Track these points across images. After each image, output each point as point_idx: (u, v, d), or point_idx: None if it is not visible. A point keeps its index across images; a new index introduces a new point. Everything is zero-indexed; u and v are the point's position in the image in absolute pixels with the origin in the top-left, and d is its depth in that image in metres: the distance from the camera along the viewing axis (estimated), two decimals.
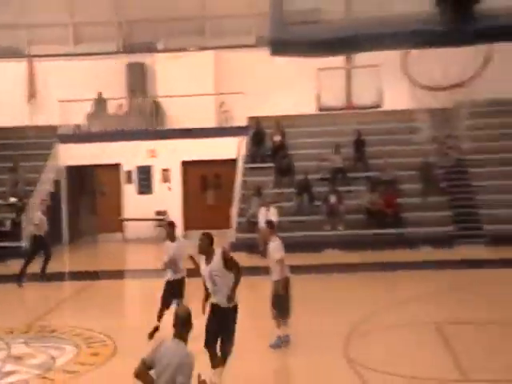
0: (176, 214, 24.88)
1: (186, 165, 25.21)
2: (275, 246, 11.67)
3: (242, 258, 19.85)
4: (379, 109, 20.52)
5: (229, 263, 9.27)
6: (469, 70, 8.30)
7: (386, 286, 14.92)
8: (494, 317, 10.36)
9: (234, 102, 25.05)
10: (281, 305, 11.46)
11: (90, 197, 26.93)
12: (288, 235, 20.29)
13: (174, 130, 24.98)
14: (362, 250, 20.71)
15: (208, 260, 9.36)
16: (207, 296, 9.66)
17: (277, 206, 21.70)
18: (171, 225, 12.74)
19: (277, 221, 21.11)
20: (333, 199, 22.02)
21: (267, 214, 21.09)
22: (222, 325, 9.33)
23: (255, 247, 20.69)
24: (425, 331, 12.45)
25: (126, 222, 25.08)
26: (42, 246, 18.55)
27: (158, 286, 18.50)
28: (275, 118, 24.62)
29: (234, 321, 9.39)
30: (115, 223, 25.07)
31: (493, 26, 5.82)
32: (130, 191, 25.36)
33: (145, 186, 25.24)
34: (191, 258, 12.09)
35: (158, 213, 24.85)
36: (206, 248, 9.32)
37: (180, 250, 12.36)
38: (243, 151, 24.72)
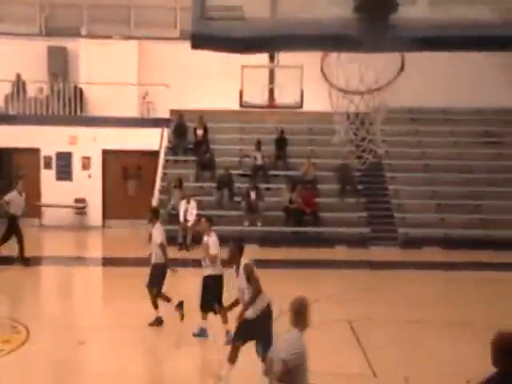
0: (96, 203, 24.76)
1: (107, 154, 24.99)
2: (213, 241, 11.82)
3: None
4: (300, 109, 20.78)
5: (250, 279, 9.27)
6: (384, 78, 8.59)
7: (301, 283, 15.17)
8: (405, 316, 10.76)
9: (157, 93, 24.97)
10: (207, 298, 11.64)
11: (6, 181, 26.36)
12: None
13: (96, 118, 24.70)
14: (280, 246, 21.03)
15: (237, 271, 9.47)
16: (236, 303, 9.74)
17: (197, 200, 21.88)
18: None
19: (196, 214, 21.39)
20: (253, 195, 22.23)
21: (187, 207, 21.28)
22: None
23: (175, 239, 20.77)
24: (337, 329, 12.81)
25: (43, 208, 24.72)
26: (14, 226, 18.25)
27: (73, 274, 18.50)
28: (198, 112, 24.66)
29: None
30: (32, 208, 24.61)
31: (407, 35, 6.11)
32: (48, 177, 24.98)
33: (64, 173, 24.89)
34: (161, 245, 12.42)
35: (77, 200, 24.60)
36: (235, 258, 9.50)
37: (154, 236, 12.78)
38: (165, 143, 24.70)
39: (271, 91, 21.18)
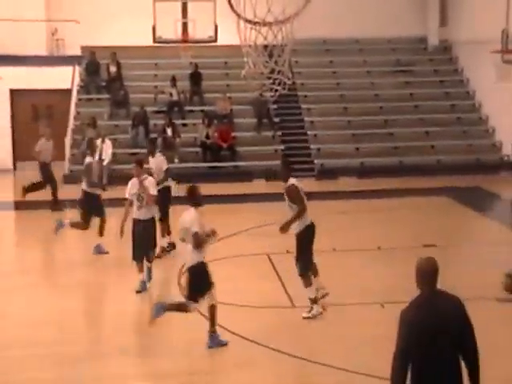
0: (5, 145, 24.01)
1: (16, 93, 24.20)
2: (150, 182, 11.55)
3: (76, 190, 19.62)
4: (215, 43, 20.50)
5: (295, 199, 9.96)
6: (291, 8, 8.48)
7: (221, 217, 15.16)
8: (322, 245, 10.89)
9: (66, 29, 24.18)
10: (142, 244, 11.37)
11: None
12: (124, 167, 20.27)
13: (2, 57, 23.75)
14: (198, 182, 20.84)
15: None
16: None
17: (112, 138, 21.50)
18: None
19: (111, 153, 21.05)
20: (169, 132, 21.98)
21: (102, 146, 20.87)
22: None
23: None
24: (256, 262, 12.91)
25: None
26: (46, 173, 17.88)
27: None
28: (111, 49, 24.00)
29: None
30: None
31: None
32: None
33: None
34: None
35: None
36: (285, 177, 10.15)
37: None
38: (77, 81, 24.05)
39: (185, 25, 20.81)
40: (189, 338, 9.43)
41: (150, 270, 11.44)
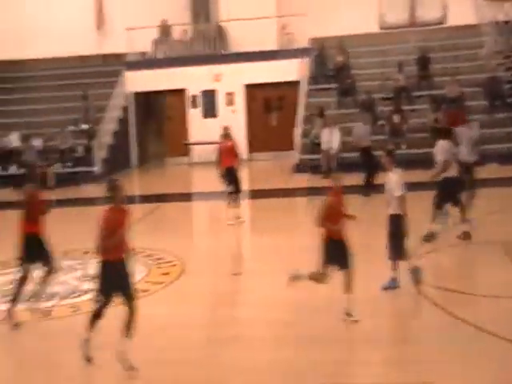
0: (240, 137, 24.82)
1: (250, 88, 25.06)
2: (395, 181, 10.19)
3: (307, 178, 19.88)
4: (443, 25, 19.77)
5: None
6: None
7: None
8: None
9: (295, 23, 24.58)
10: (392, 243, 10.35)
11: (156, 122, 27.07)
12: (351, 156, 20.17)
13: (238, 54, 24.76)
14: (426, 169, 20.25)
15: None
16: None
17: (340, 127, 21.48)
18: None
19: (340, 141, 21.02)
20: (396, 118, 21.61)
21: (330, 135, 20.94)
22: None
23: (318, 168, 20.57)
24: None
25: (191, 146, 25.17)
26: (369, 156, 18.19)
27: (222, 208, 18.74)
28: (338, 38, 24.08)
29: None
30: (181, 147, 25.21)
31: None
32: (195, 115, 25.41)
33: (210, 110, 25.23)
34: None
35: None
36: None
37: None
38: (306, 73, 24.31)
39: (412, 9, 20.34)
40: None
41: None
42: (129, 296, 8.15)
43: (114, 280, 8.12)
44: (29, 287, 10.23)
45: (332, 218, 9.13)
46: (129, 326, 8.03)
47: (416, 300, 9.94)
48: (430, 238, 12.45)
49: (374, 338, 8.90)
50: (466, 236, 12.58)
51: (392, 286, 10.27)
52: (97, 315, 8.30)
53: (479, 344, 8.37)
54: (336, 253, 9.16)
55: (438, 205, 12.54)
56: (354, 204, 13.98)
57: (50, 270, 10.42)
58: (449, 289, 10.33)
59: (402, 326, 9.71)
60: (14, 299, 10.06)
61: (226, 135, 16.37)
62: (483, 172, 19.42)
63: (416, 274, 10.00)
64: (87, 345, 8.23)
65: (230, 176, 15.87)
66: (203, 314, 10.47)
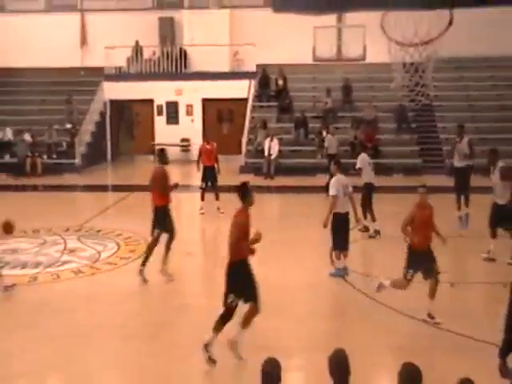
0: (197, 141, 24.87)
1: (206, 101, 25.03)
2: (332, 182, 10.38)
3: (250, 178, 19.96)
4: (363, 61, 20.17)
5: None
6: (434, 31, 8.16)
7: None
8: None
9: (245, 51, 24.65)
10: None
11: (128, 125, 26.87)
12: (287, 161, 20.49)
13: (197, 73, 24.67)
14: (349, 175, 20.63)
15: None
16: None
17: (278, 138, 21.74)
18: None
19: (278, 149, 21.27)
20: (324, 133, 21.90)
21: (271, 144, 21.19)
22: None
23: (260, 170, 20.83)
24: (393, 241, 12.56)
25: (156, 147, 25.07)
26: None
27: (180, 199, 18.72)
28: (279, 66, 24.23)
29: None
30: (148, 147, 25.11)
31: None
32: (160, 122, 25.28)
33: (172, 118, 25.13)
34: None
35: (183, 140, 24.87)
36: (492, 162, 10.51)
37: None
38: (252, 92, 24.48)
39: (339, 47, 20.70)
40: None
41: None
42: (250, 296, 7.18)
43: (247, 279, 7.17)
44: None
45: (417, 229, 8.39)
46: (248, 319, 7.24)
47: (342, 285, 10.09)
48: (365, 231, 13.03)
49: (303, 313, 9.14)
50: (377, 233, 12.98)
51: (339, 274, 10.25)
52: (227, 317, 7.24)
53: (385, 318, 8.70)
54: (420, 262, 8.34)
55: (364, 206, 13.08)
56: (318, 202, 14.33)
57: (172, 237, 10.53)
58: (367, 274, 10.61)
59: (331, 306, 9.94)
60: (145, 260, 10.21)
61: (208, 139, 16.06)
62: (392, 181, 20.10)
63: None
64: (210, 347, 7.13)
65: (207, 174, 15.43)
66: (161, 285, 10.55)
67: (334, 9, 7.16)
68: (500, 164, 10.93)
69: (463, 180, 13.32)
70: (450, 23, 8.00)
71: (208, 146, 15.78)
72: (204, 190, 15.47)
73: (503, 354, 5.19)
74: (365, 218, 13.02)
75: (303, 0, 5.20)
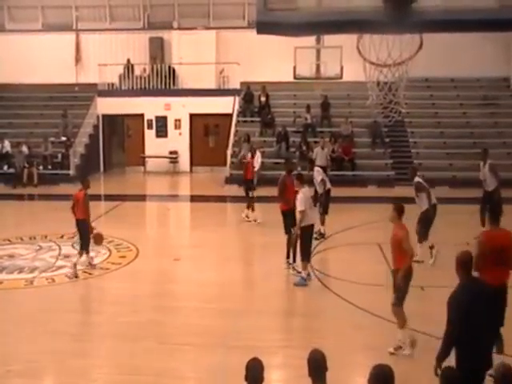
0: (185, 153, 24.95)
1: (193, 116, 25.02)
2: (300, 198, 10.19)
3: (234, 189, 20.13)
4: (340, 80, 20.29)
5: None
6: (406, 53, 8.30)
7: (341, 214, 15.04)
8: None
9: (230, 69, 24.73)
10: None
11: (119, 138, 26.81)
12: (269, 173, 20.51)
13: (185, 90, 24.70)
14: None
15: None
16: None
17: (261, 151, 21.76)
18: None
19: (261, 162, 21.29)
20: (304, 147, 22.01)
21: (254, 156, 21.17)
22: None
23: (242, 181, 20.79)
24: (368, 249, 12.67)
25: (146, 159, 25.05)
26: None
27: (170, 207, 18.74)
28: (261, 83, 24.36)
29: None
30: (138, 159, 25.06)
31: (425, 19, 5.83)
32: (150, 135, 25.20)
33: (161, 131, 25.07)
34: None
35: (171, 152, 24.82)
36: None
37: None
38: (236, 108, 24.54)
39: (318, 66, 20.78)
40: None
41: None
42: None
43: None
44: None
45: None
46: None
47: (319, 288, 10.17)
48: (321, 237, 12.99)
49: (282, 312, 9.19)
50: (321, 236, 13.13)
51: (302, 283, 10.21)
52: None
53: (354, 318, 8.77)
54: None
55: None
56: None
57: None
58: (338, 278, 10.69)
59: (304, 305, 10.00)
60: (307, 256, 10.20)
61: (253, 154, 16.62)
62: (366, 192, 20.26)
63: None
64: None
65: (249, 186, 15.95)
66: (150, 288, 10.56)
67: (314, 32, 7.28)
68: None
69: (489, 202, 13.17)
70: (421, 46, 8.14)
71: (251, 159, 16.50)
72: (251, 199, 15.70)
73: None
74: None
75: (285, 24, 5.29)
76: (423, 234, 11.24)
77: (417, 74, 9.90)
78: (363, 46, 8.45)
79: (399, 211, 7.61)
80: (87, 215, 11.04)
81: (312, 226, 10.39)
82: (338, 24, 5.65)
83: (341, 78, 20.35)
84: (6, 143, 22.60)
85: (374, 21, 5.61)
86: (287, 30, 5.82)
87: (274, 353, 7.58)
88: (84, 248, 11.05)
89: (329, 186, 13.66)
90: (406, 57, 8.44)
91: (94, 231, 11.13)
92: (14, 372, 7.15)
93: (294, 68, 20.27)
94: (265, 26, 5.79)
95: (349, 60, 18.97)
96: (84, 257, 11.11)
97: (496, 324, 5.18)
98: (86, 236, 11.05)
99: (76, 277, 10.76)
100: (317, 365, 4.57)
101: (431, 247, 11.30)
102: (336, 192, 17.98)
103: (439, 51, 23.48)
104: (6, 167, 22.02)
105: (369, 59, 8.61)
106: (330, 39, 17.47)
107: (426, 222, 11.28)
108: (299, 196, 10.28)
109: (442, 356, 5.19)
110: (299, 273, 10.31)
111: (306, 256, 10.31)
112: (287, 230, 11.06)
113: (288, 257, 10.92)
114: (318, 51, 20.85)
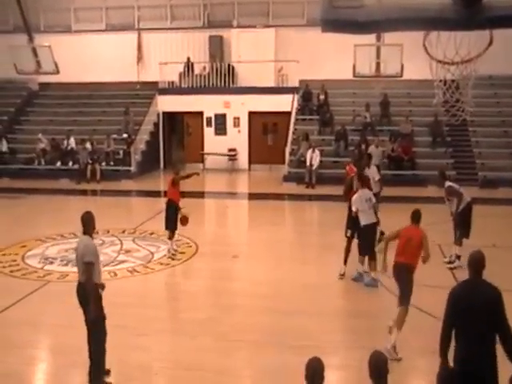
0: (243, 151, 25.05)
1: (252, 114, 25.10)
2: (354, 199, 10.19)
3: (292, 187, 20.08)
4: (400, 78, 19.93)
5: None
6: (474, 50, 8.03)
7: (402, 215, 14.71)
8: (481, 241, 10.33)
9: (289, 67, 24.65)
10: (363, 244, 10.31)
11: (179, 135, 27.18)
12: (328, 171, 20.37)
13: (244, 88, 24.81)
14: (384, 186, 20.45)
15: None
16: None
17: (320, 149, 21.64)
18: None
19: (319, 160, 21.16)
20: (363, 146, 21.72)
21: (312, 155, 21.11)
22: None
23: (302, 179, 20.75)
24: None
25: (205, 156, 25.29)
26: None
27: (228, 204, 18.86)
28: (320, 81, 24.19)
29: None
30: (198, 156, 25.33)
31: (496, 15, 5.61)
32: (209, 133, 25.46)
33: (220, 129, 25.28)
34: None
35: (230, 150, 24.97)
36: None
37: None
38: (295, 106, 24.46)
39: (378, 64, 20.48)
40: None
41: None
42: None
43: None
44: None
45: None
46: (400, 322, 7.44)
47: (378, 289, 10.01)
48: None
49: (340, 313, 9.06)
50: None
51: (373, 283, 10.06)
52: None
53: (413, 320, 8.56)
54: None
55: None
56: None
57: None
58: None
59: (362, 304, 9.86)
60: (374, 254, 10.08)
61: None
62: (426, 192, 19.75)
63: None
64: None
65: None
66: (208, 285, 10.63)
67: (380, 29, 7.11)
68: None
69: None
70: (491, 43, 7.84)
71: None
72: None
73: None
74: None
75: (350, 21, 5.17)
76: (460, 236, 11.08)
77: (480, 71, 9.61)
78: (430, 43, 8.22)
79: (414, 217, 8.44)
80: (175, 197, 12.08)
81: (374, 224, 10.25)
82: (406, 21, 5.50)
83: (401, 76, 20.02)
84: (72, 140, 23.29)
85: (442, 18, 5.43)
86: (353, 27, 5.71)
87: (334, 353, 7.50)
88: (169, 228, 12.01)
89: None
90: (474, 54, 8.15)
91: (182, 210, 12.11)
92: (79, 362, 7.32)
93: (354, 66, 20.07)
94: (330, 24, 5.70)
95: (409, 58, 18.69)
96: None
97: (493, 328, 4.96)
98: (174, 217, 12.01)
99: (173, 255, 11.82)
100: (378, 367, 4.50)
101: (458, 256, 10.98)
102: (395, 192, 17.74)
103: (503, 48, 22.64)
104: (70, 163, 22.69)
105: (436, 57, 8.36)
106: (390, 37, 17.17)
107: (462, 223, 11.12)
108: (354, 196, 10.15)
109: (440, 350, 5.19)
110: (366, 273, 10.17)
111: (373, 255, 10.10)
112: (347, 233, 10.65)
113: (345, 262, 10.48)
114: (378, 49, 20.57)
